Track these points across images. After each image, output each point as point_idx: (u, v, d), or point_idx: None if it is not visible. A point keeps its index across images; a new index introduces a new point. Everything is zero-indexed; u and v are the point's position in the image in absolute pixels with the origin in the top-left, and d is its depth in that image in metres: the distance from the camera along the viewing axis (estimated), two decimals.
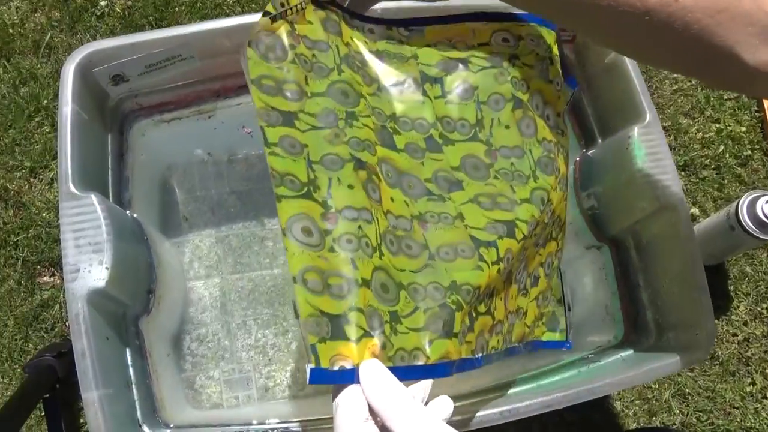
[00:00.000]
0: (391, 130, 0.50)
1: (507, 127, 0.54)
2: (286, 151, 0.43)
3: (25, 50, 1.01)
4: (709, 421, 0.94)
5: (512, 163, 0.53)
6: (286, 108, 0.44)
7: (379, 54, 0.52)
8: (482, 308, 0.48)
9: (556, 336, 0.65)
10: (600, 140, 0.72)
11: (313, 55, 0.47)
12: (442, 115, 0.53)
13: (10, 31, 1.01)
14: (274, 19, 0.45)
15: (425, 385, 0.41)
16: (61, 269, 0.94)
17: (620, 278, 0.73)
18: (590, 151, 0.73)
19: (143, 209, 0.69)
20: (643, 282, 0.70)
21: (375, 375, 0.37)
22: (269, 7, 0.45)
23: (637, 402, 0.94)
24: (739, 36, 0.38)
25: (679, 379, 0.95)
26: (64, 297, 0.92)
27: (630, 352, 0.69)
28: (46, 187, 0.96)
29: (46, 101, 0.98)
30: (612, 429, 0.93)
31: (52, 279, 0.94)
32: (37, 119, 0.98)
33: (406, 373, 0.40)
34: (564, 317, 0.66)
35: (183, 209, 0.79)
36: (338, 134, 0.45)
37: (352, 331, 0.39)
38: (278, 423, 0.59)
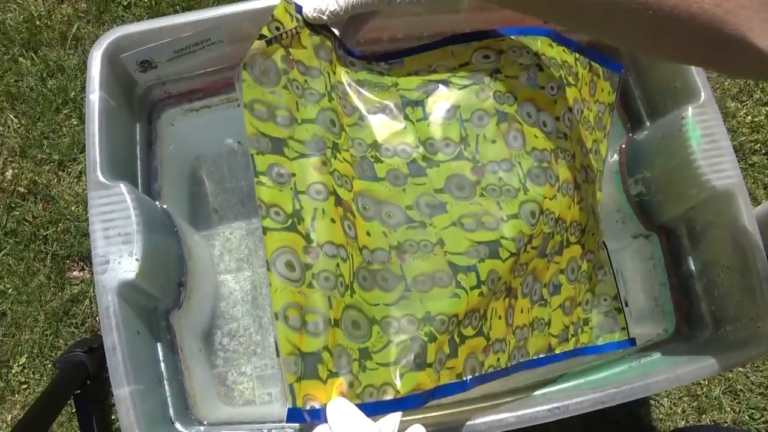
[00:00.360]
0: (372, 159, 0.50)
1: (493, 141, 0.53)
2: (274, 181, 0.44)
3: (52, 42, 1.00)
4: (763, 419, 0.90)
5: (500, 178, 0.52)
6: (277, 134, 0.45)
7: (359, 83, 0.52)
8: (469, 332, 0.48)
9: (615, 337, 0.63)
10: (648, 123, 0.68)
11: (305, 80, 0.48)
12: (425, 138, 0.52)
13: (37, 22, 1.00)
14: (269, 43, 0.45)
15: (393, 417, 0.42)
16: (91, 264, 0.93)
17: (671, 268, 0.69)
18: (637, 135, 0.69)
19: (172, 201, 0.67)
20: (697, 272, 0.66)
21: (342, 413, 0.39)
22: (264, 30, 0.45)
23: (685, 399, 0.90)
24: (751, 23, 0.37)
25: (730, 375, 0.91)
26: (93, 292, 0.91)
27: (683, 345, 0.66)
28: (75, 181, 0.95)
29: (73, 93, 0.97)
30: (660, 427, 0.89)
31: (81, 273, 0.93)
32: (65, 112, 0.97)
33: (376, 409, 0.42)
34: (621, 315, 0.63)
35: (212, 201, 0.77)
36: (325, 162, 0.46)
37: (322, 371, 0.40)
38: None
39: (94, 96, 0.56)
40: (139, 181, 0.63)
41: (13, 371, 0.89)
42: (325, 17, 0.47)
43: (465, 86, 0.53)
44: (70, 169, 0.95)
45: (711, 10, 0.36)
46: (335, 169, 0.46)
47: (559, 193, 0.54)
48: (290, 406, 0.39)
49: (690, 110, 0.61)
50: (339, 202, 0.45)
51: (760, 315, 0.57)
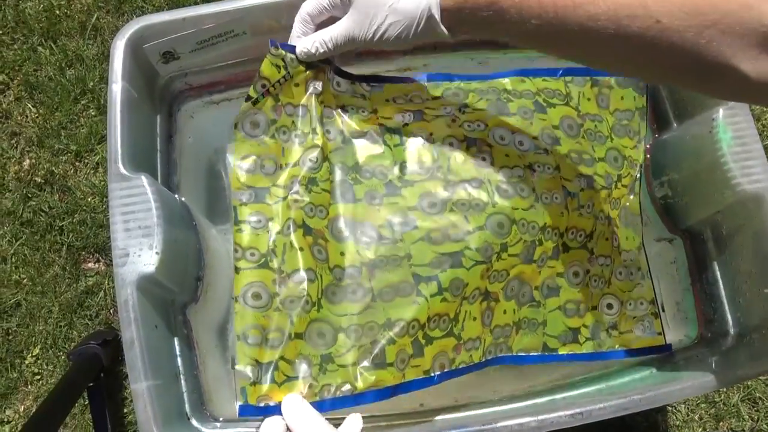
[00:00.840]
0: (351, 182, 0.56)
1: (463, 162, 0.58)
2: (252, 227, 0.52)
3: (72, 32, 1.00)
4: None
5: (470, 193, 0.56)
6: (262, 184, 0.53)
7: (344, 108, 0.57)
8: (437, 333, 0.53)
9: (651, 341, 0.63)
10: (675, 124, 0.67)
11: (293, 122, 0.54)
12: (401, 161, 0.58)
13: (57, 12, 1.00)
14: (255, 102, 0.52)
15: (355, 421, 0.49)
16: (106, 255, 0.93)
17: (694, 273, 0.68)
18: (664, 136, 0.68)
19: (190, 194, 0.67)
20: (723, 278, 0.65)
21: (294, 405, 0.47)
22: (251, 92, 0.52)
23: (703, 405, 0.89)
24: (734, 49, 0.37)
25: (749, 383, 0.90)
26: (109, 284, 0.91)
27: (706, 352, 0.64)
28: (92, 172, 0.95)
29: (92, 83, 0.97)
30: None
31: (96, 265, 0.93)
32: (83, 102, 0.97)
33: (333, 404, 0.49)
34: (657, 320, 0.64)
35: (230, 195, 0.76)
36: (297, 200, 0.53)
37: (278, 377, 0.48)
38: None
39: (117, 86, 0.56)
40: (159, 173, 0.63)
41: (27, 362, 0.89)
42: (316, 57, 0.51)
43: (437, 116, 0.59)
44: (87, 160, 0.95)
45: (692, 39, 0.38)
46: (309, 202, 0.53)
47: (538, 203, 0.57)
48: (241, 404, 0.47)
49: (721, 112, 0.59)
50: (309, 231, 0.52)
51: None
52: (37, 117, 0.96)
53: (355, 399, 0.49)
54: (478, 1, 0.44)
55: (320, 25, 0.51)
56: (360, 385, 0.49)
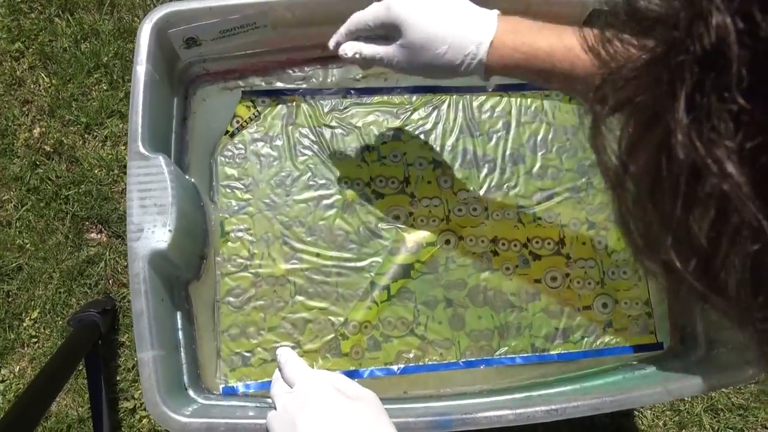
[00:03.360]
0: (331, 192, 0.65)
1: (429, 182, 0.67)
2: (235, 236, 0.64)
3: (89, 6, 1.01)
4: None
5: (430, 211, 0.66)
6: (242, 197, 0.65)
7: (330, 127, 0.67)
8: (396, 333, 0.63)
9: (644, 339, 0.67)
10: None
11: (268, 148, 0.65)
12: (376, 175, 0.66)
13: None
14: (232, 135, 0.65)
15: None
16: (109, 227, 0.95)
17: (671, 288, 0.71)
18: None
19: (198, 175, 0.69)
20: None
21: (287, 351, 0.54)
22: (228, 127, 0.65)
23: (668, 413, 0.93)
24: (576, 63, 0.48)
25: (713, 394, 0.94)
26: (110, 255, 0.93)
27: (677, 362, 0.68)
28: (100, 145, 0.97)
29: (106, 59, 0.98)
30: None
31: (99, 236, 0.95)
32: (95, 76, 0.98)
33: None
34: (651, 320, 0.68)
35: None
36: (276, 215, 0.64)
37: (255, 361, 0.61)
38: None
39: (141, 68, 0.58)
40: (172, 154, 0.65)
41: (25, 324, 0.91)
42: (348, 61, 0.53)
43: (413, 137, 0.68)
44: (96, 133, 0.97)
45: (566, 68, 0.48)
46: (286, 218, 0.64)
47: (488, 220, 0.66)
48: (224, 386, 0.60)
49: None
50: (285, 243, 0.64)
51: (750, 342, 0.60)
52: (50, 87, 0.98)
53: None
54: (523, 68, 0.50)
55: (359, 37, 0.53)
56: (321, 367, 0.60)
